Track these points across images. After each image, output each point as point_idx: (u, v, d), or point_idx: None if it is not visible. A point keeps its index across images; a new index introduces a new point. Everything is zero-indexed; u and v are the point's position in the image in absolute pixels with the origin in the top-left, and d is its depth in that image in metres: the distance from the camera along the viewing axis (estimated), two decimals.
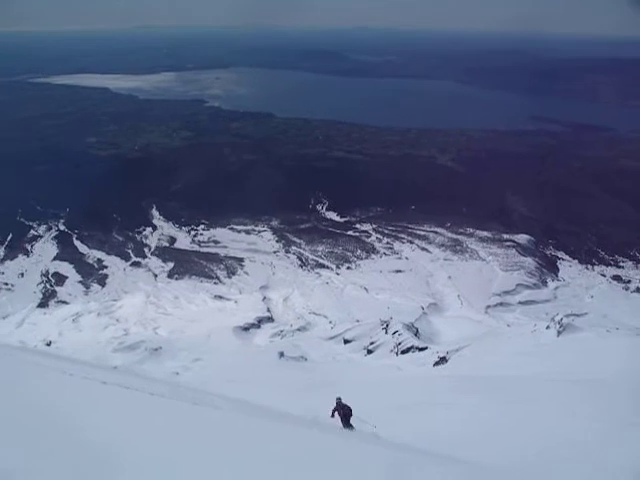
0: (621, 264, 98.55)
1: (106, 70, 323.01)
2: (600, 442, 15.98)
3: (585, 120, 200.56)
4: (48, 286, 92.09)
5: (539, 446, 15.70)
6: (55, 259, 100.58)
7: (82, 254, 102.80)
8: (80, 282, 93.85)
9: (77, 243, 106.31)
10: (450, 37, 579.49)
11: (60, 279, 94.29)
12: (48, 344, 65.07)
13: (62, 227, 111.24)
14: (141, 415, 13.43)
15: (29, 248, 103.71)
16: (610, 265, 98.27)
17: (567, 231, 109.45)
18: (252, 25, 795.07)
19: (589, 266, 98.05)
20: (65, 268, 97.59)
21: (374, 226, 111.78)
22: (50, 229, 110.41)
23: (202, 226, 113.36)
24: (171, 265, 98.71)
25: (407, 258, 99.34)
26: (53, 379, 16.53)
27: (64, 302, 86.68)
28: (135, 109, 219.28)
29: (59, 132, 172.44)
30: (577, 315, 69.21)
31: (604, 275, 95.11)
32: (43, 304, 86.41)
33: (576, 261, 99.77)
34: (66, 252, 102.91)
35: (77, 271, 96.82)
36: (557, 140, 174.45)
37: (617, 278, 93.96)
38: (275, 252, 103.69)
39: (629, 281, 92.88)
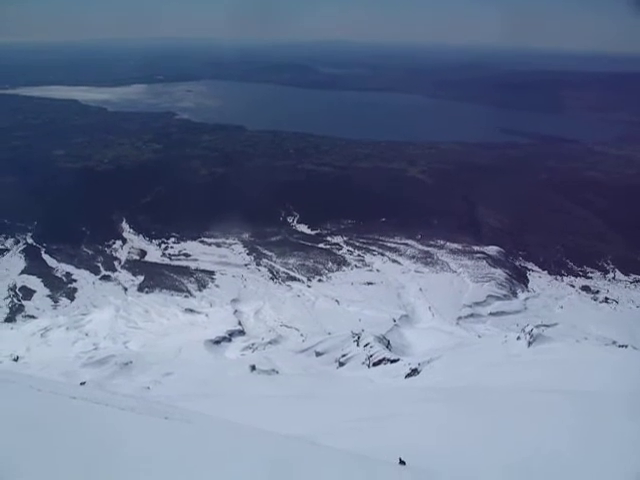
0: (589, 275, 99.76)
1: (74, 82, 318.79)
2: (568, 454, 16.12)
3: (553, 132, 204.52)
4: (15, 300, 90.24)
5: (508, 457, 15.82)
6: (23, 273, 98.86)
7: (51, 268, 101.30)
8: (48, 296, 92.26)
9: (45, 257, 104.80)
10: (422, 50, 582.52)
11: (28, 293, 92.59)
12: (15, 359, 64.06)
13: (30, 240, 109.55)
14: (110, 430, 13.27)
15: None
16: (579, 276, 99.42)
17: (536, 242, 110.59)
18: (224, 38, 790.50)
19: (558, 277, 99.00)
20: (33, 282, 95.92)
21: (345, 238, 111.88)
22: (18, 242, 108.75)
23: (172, 239, 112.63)
24: (141, 278, 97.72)
25: (378, 270, 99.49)
26: (21, 394, 16.27)
27: (32, 317, 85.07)
28: (104, 121, 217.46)
29: (27, 144, 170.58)
30: (547, 326, 69.77)
31: (573, 286, 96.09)
32: (10, 319, 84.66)
33: (545, 272, 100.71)
34: (34, 266, 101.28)
35: (45, 285, 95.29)
36: (525, 152, 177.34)
37: (586, 289, 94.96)
38: (246, 265, 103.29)
39: (597, 291, 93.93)
